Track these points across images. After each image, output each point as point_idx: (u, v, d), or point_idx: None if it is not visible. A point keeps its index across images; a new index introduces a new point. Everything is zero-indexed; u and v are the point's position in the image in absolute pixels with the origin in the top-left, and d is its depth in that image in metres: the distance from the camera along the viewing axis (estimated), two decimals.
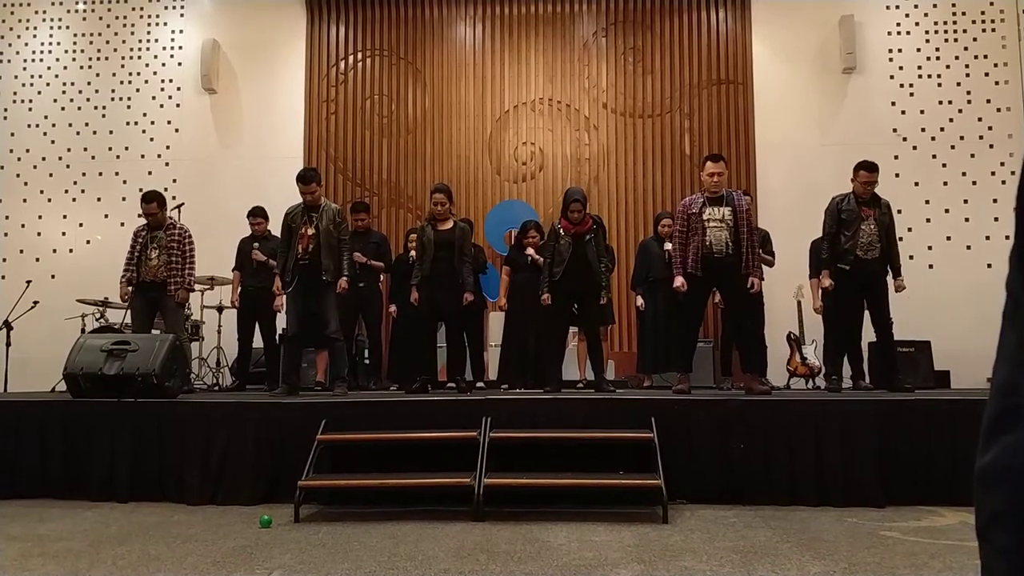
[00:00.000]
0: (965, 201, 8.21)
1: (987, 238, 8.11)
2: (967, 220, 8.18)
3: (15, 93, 9.07)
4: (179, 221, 6.29)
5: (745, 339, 5.36)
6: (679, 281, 5.06)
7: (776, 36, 8.63)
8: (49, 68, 9.10)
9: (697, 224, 5.05)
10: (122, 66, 9.04)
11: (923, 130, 8.35)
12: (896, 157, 8.30)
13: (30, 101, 9.05)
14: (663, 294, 6.31)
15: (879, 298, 5.51)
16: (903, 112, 8.40)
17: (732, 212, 5.02)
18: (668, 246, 6.27)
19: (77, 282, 7.95)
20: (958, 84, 8.38)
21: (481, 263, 6.53)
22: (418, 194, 8.69)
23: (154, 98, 8.97)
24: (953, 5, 8.50)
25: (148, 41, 9.08)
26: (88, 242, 8.80)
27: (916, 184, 8.26)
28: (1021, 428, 0.64)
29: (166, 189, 8.56)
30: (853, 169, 5.70)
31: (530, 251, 6.35)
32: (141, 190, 8.56)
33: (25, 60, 9.12)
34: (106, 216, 8.78)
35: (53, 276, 8.53)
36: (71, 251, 8.80)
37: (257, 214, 6.90)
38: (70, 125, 8.97)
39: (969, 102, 8.34)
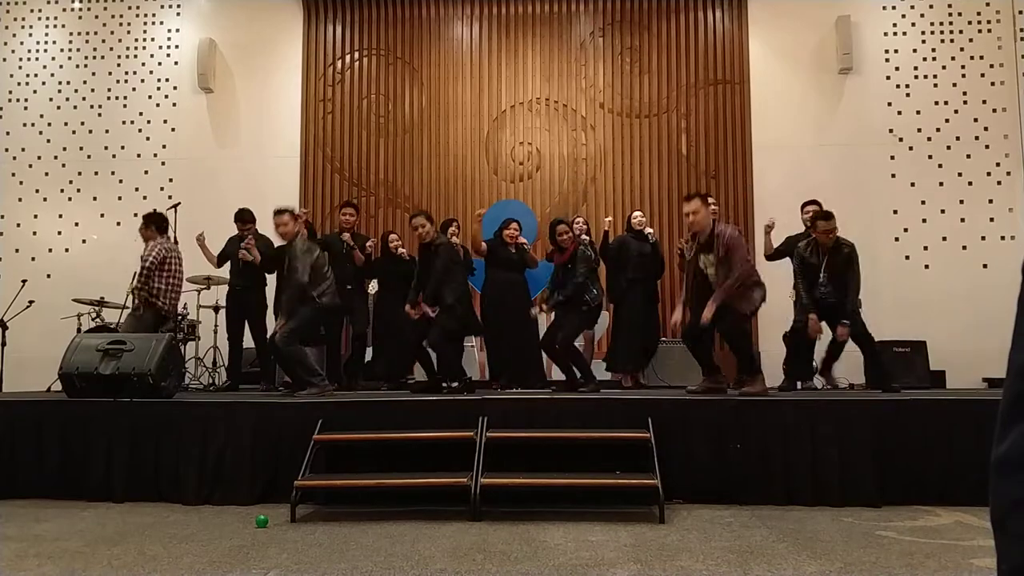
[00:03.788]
0: (961, 202, 8.23)
1: (983, 238, 8.13)
2: (963, 221, 8.20)
3: (11, 92, 9.04)
4: (158, 242, 6.02)
5: (731, 349, 5.36)
6: (677, 314, 5.24)
7: (772, 36, 8.64)
8: (45, 67, 9.07)
9: (694, 269, 5.05)
10: (118, 65, 9.02)
11: (919, 130, 8.37)
12: (892, 157, 8.32)
13: (26, 100, 9.03)
14: (641, 292, 6.36)
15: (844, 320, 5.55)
16: (899, 112, 8.41)
17: (715, 258, 4.91)
18: (649, 231, 6.58)
19: (73, 281, 7.93)
20: (954, 85, 8.40)
21: (468, 264, 6.53)
22: (415, 194, 8.69)
23: (150, 97, 8.95)
24: (949, 6, 8.52)
25: (144, 40, 9.06)
26: (84, 241, 8.78)
27: (912, 185, 8.28)
28: None
29: (162, 188, 8.60)
30: (811, 219, 5.78)
31: (522, 240, 6.34)
32: (137, 189, 8.64)
33: (21, 59, 9.10)
34: (102, 215, 8.76)
35: (49, 275, 8.51)
36: (67, 250, 8.78)
37: (245, 219, 6.78)
38: (66, 124, 8.95)
39: (965, 103, 8.35)
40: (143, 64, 9.02)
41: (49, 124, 8.97)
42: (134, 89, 8.97)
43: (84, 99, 8.99)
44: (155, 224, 6.06)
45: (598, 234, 7.11)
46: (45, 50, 9.10)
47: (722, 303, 4.78)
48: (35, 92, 9.03)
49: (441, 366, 5.76)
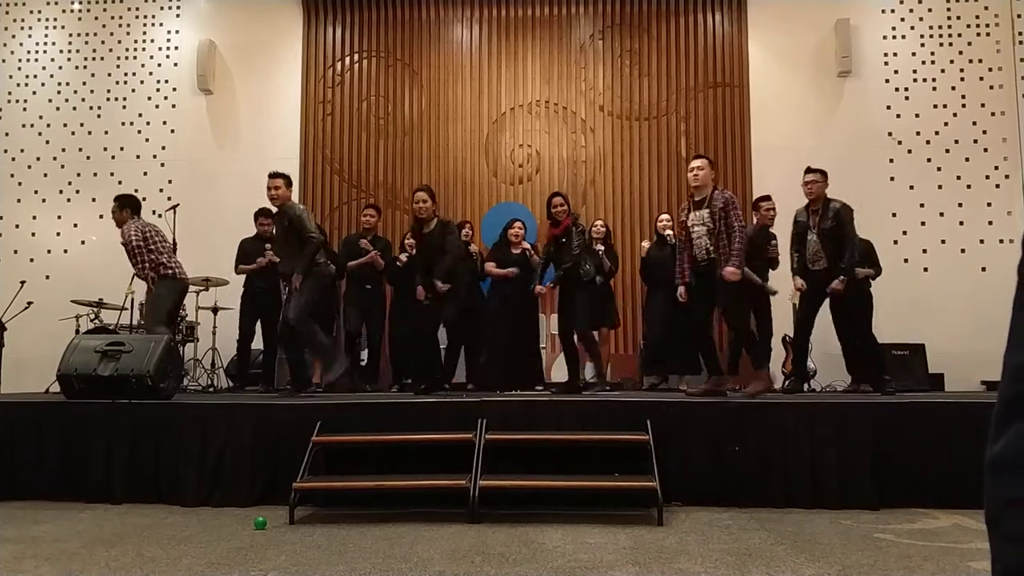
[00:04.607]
0: (960, 205, 8.24)
1: (981, 241, 8.14)
2: (961, 224, 8.21)
3: (10, 93, 9.04)
4: (131, 223, 5.94)
5: (735, 339, 5.37)
6: (680, 291, 5.15)
7: (772, 39, 8.66)
8: (44, 68, 9.07)
9: (685, 231, 5.13)
10: (118, 66, 9.02)
11: (918, 134, 8.38)
12: (891, 160, 8.33)
13: (25, 101, 9.03)
14: (664, 297, 6.38)
15: (839, 304, 5.54)
16: (898, 116, 8.43)
17: (709, 214, 4.98)
18: (668, 233, 6.57)
19: (72, 283, 7.92)
20: (953, 88, 8.41)
21: (476, 267, 6.53)
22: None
23: (150, 99, 8.95)
24: (948, 9, 8.54)
25: (144, 41, 9.06)
26: (83, 243, 8.77)
27: (911, 187, 8.29)
28: None
29: (161, 190, 8.59)
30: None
31: (525, 244, 6.35)
32: (136, 191, 8.57)
33: (20, 60, 9.10)
34: (101, 216, 8.73)
35: (47, 276, 8.50)
36: (66, 251, 8.78)
37: (267, 215, 6.85)
38: (65, 125, 8.95)
39: (964, 106, 8.37)
40: (142, 65, 9.02)
41: (48, 125, 8.97)
42: (133, 90, 8.97)
43: (83, 100, 8.99)
44: (130, 207, 5.99)
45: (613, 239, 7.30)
46: (44, 51, 9.10)
47: (727, 286, 4.82)
48: (34, 93, 9.03)
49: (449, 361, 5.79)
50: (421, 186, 5.84)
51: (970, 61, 8.43)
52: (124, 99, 8.96)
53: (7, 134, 8.96)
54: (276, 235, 5.66)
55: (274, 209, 5.68)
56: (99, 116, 8.95)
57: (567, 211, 5.68)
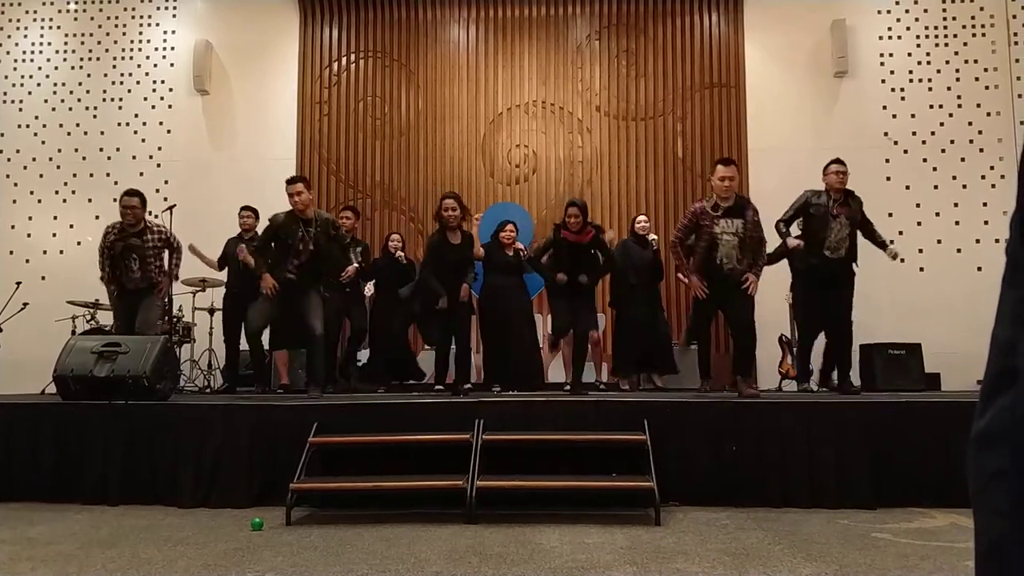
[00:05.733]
0: (955, 205, 8.26)
1: (977, 241, 8.16)
2: (957, 223, 8.22)
3: (5, 93, 9.02)
4: (153, 221, 6.01)
5: (740, 343, 5.34)
6: (696, 285, 5.05)
7: (768, 40, 8.67)
8: (40, 68, 9.05)
9: (706, 234, 5.01)
10: (114, 67, 9.01)
11: (914, 134, 8.40)
12: (887, 161, 8.35)
13: (20, 101, 9.00)
14: (643, 298, 6.38)
15: (841, 296, 5.55)
16: (894, 116, 8.44)
17: (744, 224, 4.98)
18: (653, 237, 6.63)
19: (67, 283, 7.90)
20: (949, 88, 8.43)
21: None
22: (411, 196, 8.69)
23: (146, 99, 8.94)
24: (944, 10, 8.56)
25: (140, 42, 9.05)
26: (79, 243, 8.75)
27: (907, 188, 8.31)
28: (1017, 388, 0.63)
29: (158, 191, 8.55)
30: (823, 169, 5.77)
31: (519, 245, 6.32)
32: None
33: (16, 60, 9.07)
34: (97, 217, 8.71)
35: (43, 277, 8.48)
36: (61, 252, 8.75)
37: (249, 208, 6.86)
38: (61, 126, 8.93)
39: (960, 106, 8.39)
40: (139, 66, 9.00)
41: (44, 126, 8.95)
42: (129, 91, 8.96)
43: (79, 100, 8.97)
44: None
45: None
46: (40, 51, 9.08)
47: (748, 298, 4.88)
48: (30, 93, 9.01)
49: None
50: (450, 192, 5.85)
51: (966, 61, 8.45)
52: (120, 99, 8.95)
53: (2, 134, 8.94)
54: (313, 243, 5.28)
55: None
56: (95, 116, 8.93)
57: (583, 222, 5.60)
